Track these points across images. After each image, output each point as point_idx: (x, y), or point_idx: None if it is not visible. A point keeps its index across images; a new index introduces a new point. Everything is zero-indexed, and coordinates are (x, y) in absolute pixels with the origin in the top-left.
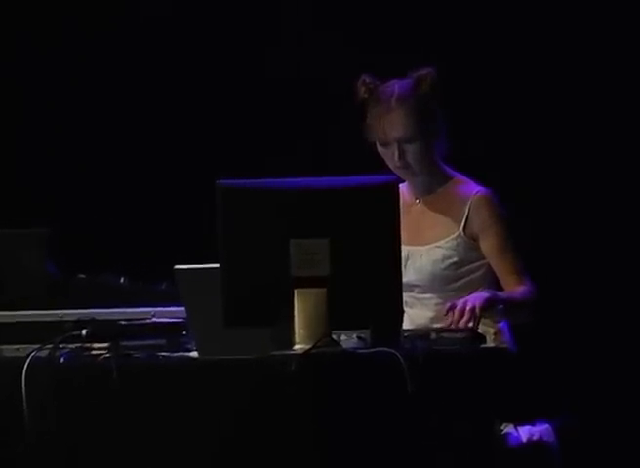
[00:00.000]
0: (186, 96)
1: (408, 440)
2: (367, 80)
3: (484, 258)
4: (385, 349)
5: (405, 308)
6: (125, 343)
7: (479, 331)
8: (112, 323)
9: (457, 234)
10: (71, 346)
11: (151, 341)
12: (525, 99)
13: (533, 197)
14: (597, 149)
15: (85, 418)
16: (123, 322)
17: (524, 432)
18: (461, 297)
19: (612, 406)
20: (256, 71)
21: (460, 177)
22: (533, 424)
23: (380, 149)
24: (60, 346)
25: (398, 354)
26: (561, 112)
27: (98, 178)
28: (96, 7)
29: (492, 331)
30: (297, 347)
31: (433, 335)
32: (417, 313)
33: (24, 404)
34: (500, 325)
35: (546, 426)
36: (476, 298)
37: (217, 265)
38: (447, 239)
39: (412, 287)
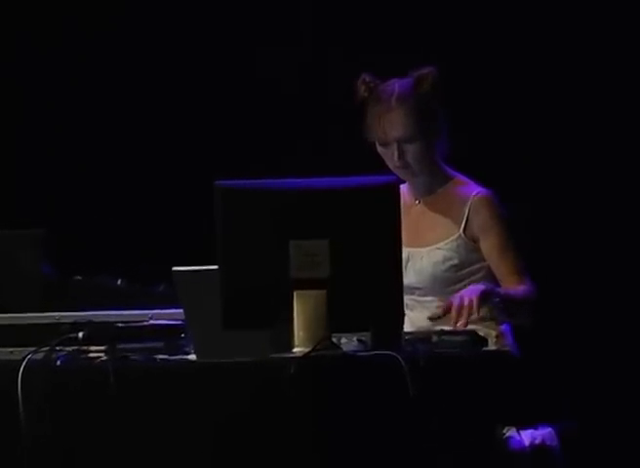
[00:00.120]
0: (185, 96)
1: (409, 444)
2: (367, 79)
3: (485, 260)
4: (386, 352)
5: (406, 311)
6: (122, 346)
7: (481, 333)
8: (109, 325)
9: (457, 235)
10: (68, 349)
11: (149, 344)
12: (525, 99)
13: (533, 197)
14: (597, 149)
15: (82, 422)
16: (120, 324)
17: (526, 436)
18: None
19: (615, 409)
20: (255, 71)
21: (460, 178)
22: (535, 428)
23: (379, 149)
24: (57, 349)
25: (399, 357)
26: (562, 112)
27: (95, 179)
28: (96, 7)
29: (494, 333)
30: (296, 350)
31: (434, 338)
32: (417, 316)
33: (20, 407)
34: (503, 327)
35: (549, 430)
36: (472, 291)
37: (215, 267)
38: (447, 240)
39: (412, 289)
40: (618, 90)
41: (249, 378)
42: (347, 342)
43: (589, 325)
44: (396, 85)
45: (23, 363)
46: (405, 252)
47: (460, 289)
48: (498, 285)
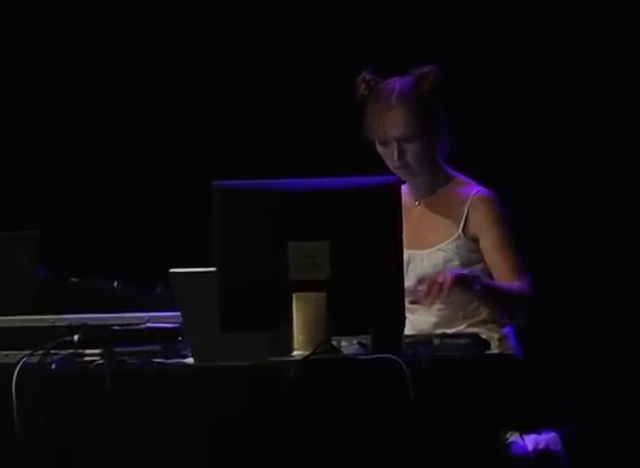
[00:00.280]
0: (185, 96)
1: (410, 449)
2: (367, 77)
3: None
4: (387, 355)
5: (407, 314)
6: (118, 349)
7: (483, 336)
8: (105, 328)
9: (456, 236)
10: (63, 352)
11: (146, 347)
12: (525, 99)
13: (533, 197)
14: (597, 149)
15: (77, 427)
16: (116, 327)
17: (530, 441)
18: (464, 302)
19: (619, 414)
20: (255, 71)
21: (461, 178)
22: (539, 432)
23: (379, 148)
24: (52, 352)
25: (400, 360)
26: (562, 112)
27: (91, 179)
28: (96, 7)
29: (496, 336)
30: (295, 353)
31: (436, 341)
32: (419, 319)
33: (14, 411)
34: (505, 330)
35: (553, 434)
36: (450, 272)
37: (213, 269)
38: (447, 241)
39: (413, 292)
40: (618, 90)
41: (247, 382)
42: (348, 345)
43: (594, 328)
44: (397, 83)
45: (18, 366)
46: (405, 254)
47: None
48: None
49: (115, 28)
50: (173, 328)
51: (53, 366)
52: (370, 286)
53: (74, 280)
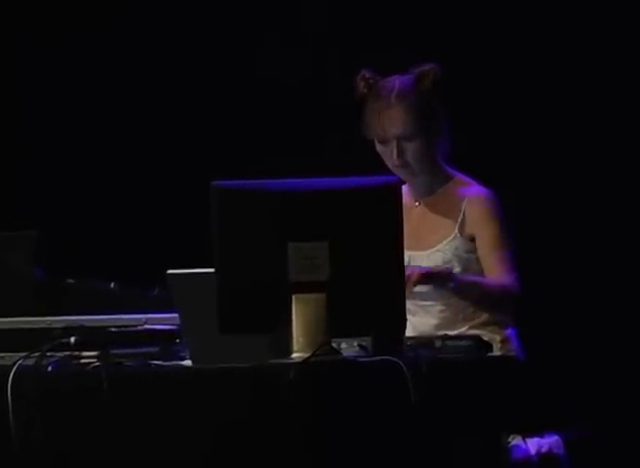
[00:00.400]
0: (184, 96)
1: (411, 452)
2: (367, 75)
3: None
4: (388, 357)
5: (408, 316)
6: (115, 351)
7: (485, 338)
8: (102, 330)
9: (453, 235)
10: (59, 354)
11: (143, 349)
12: (526, 99)
13: (533, 197)
14: (597, 149)
15: (73, 430)
16: (113, 329)
17: (532, 444)
18: (464, 304)
19: (623, 416)
20: (254, 71)
21: (461, 178)
22: (542, 436)
23: (378, 147)
24: (48, 354)
25: (401, 362)
26: (562, 112)
27: (89, 180)
28: (96, 7)
29: (498, 338)
30: (295, 355)
31: (438, 343)
32: (420, 321)
33: (10, 414)
34: (508, 332)
35: (556, 438)
36: (420, 268)
37: (212, 270)
38: (445, 242)
39: (414, 293)
40: (618, 90)
41: (246, 385)
42: (348, 347)
43: (597, 330)
44: (396, 81)
45: (14, 368)
46: (406, 255)
47: None
48: None
49: (115, 28)
50: (171, 329)
51: (49, 368)
52: (370, 287)
53: (71, 281)
